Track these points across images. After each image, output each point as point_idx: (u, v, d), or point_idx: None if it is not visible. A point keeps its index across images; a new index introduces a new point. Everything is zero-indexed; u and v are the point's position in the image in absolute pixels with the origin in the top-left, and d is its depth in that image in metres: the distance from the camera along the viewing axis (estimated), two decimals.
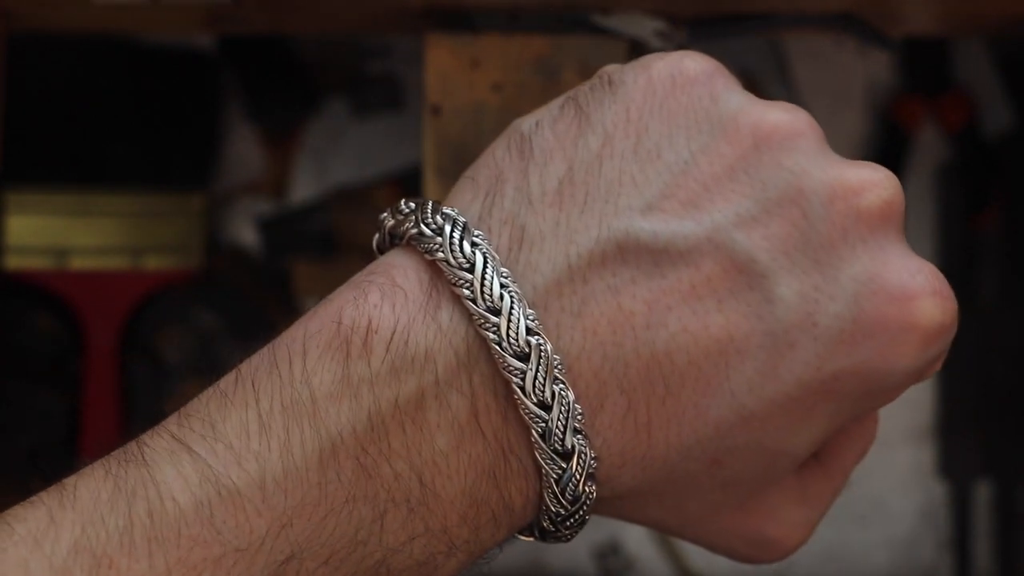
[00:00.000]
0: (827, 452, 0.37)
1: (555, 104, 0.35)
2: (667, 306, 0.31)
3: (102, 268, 0.73)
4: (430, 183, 0.53)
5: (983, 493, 0.75)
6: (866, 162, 0.33)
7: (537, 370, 0.31)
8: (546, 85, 0.53)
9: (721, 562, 0.76)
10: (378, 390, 0.31)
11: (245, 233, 0.77)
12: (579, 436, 0.31)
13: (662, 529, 0.37)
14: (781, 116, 0.33)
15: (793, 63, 0.73)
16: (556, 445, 0.31)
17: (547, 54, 0.53)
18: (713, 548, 0.37)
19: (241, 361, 0.35)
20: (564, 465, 0.31)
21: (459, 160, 0.53)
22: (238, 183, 0.77)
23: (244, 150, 0.77)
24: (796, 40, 0.72)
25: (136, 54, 0.75)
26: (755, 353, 0.31)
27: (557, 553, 0.75)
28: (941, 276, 0.33)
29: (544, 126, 0.34)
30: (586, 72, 0.53)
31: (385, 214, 0.36)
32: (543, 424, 0.31)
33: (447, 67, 0.53)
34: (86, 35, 0.73)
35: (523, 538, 0.35)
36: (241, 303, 0.76)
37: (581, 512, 0.33)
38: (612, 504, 0.34)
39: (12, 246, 0.73)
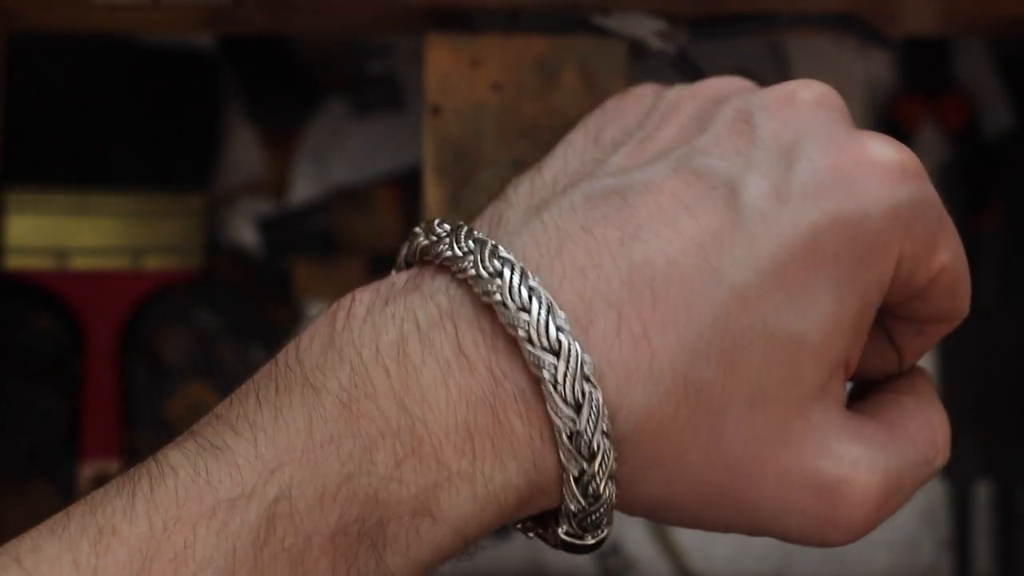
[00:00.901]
0: (878, 405, 0.37)
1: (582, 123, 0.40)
2: (638, 226, 0.33)
3: (102, 268, 0.73)
4: (430, 183, 0.53)
5: (983, 493, 0.75)
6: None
7: (539, 317, 0.32)
8: (546, 85, 0.53)
9: (721, 562, 0.76)
10: (359, 345, 0.32)
11: (245, 233, 0.77)
12: (567, 334, 0.32)
13: (711, 508, 0.34)
14: (731, 81, 0.38)
15: (793, 63, 0.73)
16: (544, 342, 0.32)
17: (547, 54, 0.53)
18: (781, 516, 0.34)
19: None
20: (556, 361, 0.32)
21: (459, 160, 0.53)
22: (238, 183, 0.77)
23: (244, 150, 0.77)
24: (796, 40, 0.72)
25: (136, 54, 0.75)
26: (730, 236, 0.32)
27: (557, 553, 0.75)
28: (889, 137, 0.34)
29: (570, 140, 0.39)
30: (586, 72, 0.53)
31: (418, 229, 0.37)
32: (526, 328, 0.32)
33: (447, 67, 0.53)
34: (86, 35, 0.73)
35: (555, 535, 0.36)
36: (241, 303, 0.76)
37: (599, 443, 0.32)
38: (643, 460, 0.33)
39: (12, 246, 0.73)
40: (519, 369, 0.32)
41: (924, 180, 0.34)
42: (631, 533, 0.76)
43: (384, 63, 0.77)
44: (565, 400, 0.32)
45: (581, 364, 0.32)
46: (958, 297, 0.37)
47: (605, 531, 0.35)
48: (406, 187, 0.76)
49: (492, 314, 0.32)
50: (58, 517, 0.31)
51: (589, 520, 0.34)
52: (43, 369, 0.74)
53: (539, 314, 0.32)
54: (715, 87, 0.38)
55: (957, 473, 0.75)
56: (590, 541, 0.35)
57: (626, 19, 0.53)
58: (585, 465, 0.32)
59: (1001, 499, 0.74)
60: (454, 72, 0.53)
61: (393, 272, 0.36)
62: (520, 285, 0.32)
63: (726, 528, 0.35)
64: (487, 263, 0.33)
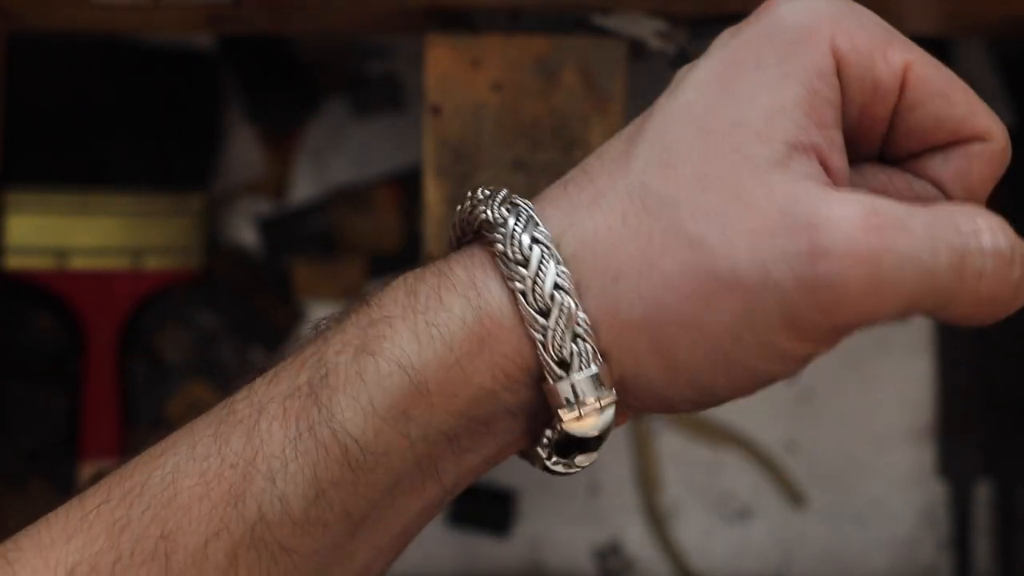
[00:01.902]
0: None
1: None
2: None
3: (102, 268, 0.73)
4: (430, 183, 0.53)
5: (983, 493, 0.75)
6: None
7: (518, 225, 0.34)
8: (546, 85, 0.53)
9: (721, 562, 0.76)
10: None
11: (245, 233, 0.77)
12: (509, 205, 0.35)
13: (699, 298, 0.33)
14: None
15: None
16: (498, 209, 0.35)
17: (547, 54, 0.53)
18: (768, 274, 0.32)
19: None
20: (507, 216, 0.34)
21: (459, 160, 0.53)
22: (238, 183, 0.77)
23: (244, 150, 0.77)
24: None
25: (136, 54, 0.75)
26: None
27: (557, 553, 0.75)
28: None
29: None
30: (586, 72, 0.53)
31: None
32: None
33: (447, 67, 0.53)
34: (86, 35, 0.73)
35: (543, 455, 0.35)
36: (241, 303, 0.76)
37: (539, 253, 0.34)
38: (608, 278, 0.34)
39: (12, 246, 0.73)
40: (479, 253, 0.35)
41: None
42: (631, 533, 0.76)
43: (384, 63, 0.77)
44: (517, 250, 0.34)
45: (530, 216, 0.34)
46: (955, 103, 0.35)
47: (603, 395, 0.34)
48: (406, 187, 0.76)
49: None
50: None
51: (565, 350, 0.34)
52: (43, 369, 0.74)
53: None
54: None
55: (957, 473, 0.75)
56: (593, 405, 0.34)
57: (626, 19, 0.53)
58: (530, 278, 0.34)
59: (1001, 499, 0.74)
60: (454, 72, 0.53)
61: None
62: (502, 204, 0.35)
63: (725, 328, 0.33)
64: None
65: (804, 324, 0.32)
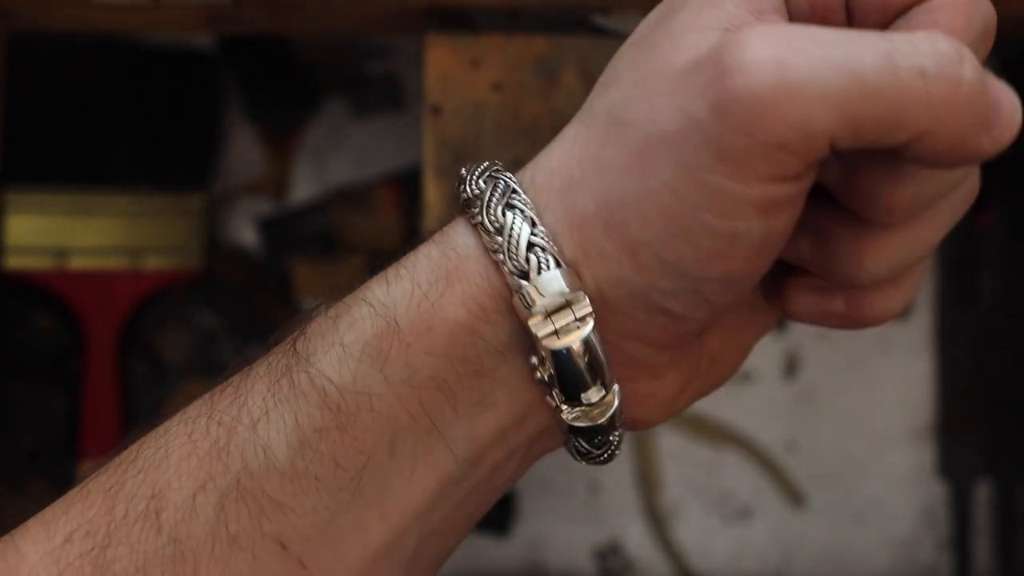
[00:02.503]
0: None
1: None
2: None
3: (102, 268, 0.73)
4: (430, 183, 0.53)
5: (983, 493, 0.75)
6: None
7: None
8: (546, 85, 0.53)
9: (721, 562, 0.76)
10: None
11: (245, 233, 0.77)
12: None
13: (635, 165, 0.33)
14: None
15: None
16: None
17: (547, 54, 0.53)
18: (688, 117, 0.32)
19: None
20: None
21: (459, 160, 0.53)
22: (238, 183, 0.77)
23: (244, 150, 0.77)
24: None
25: (136, 54, 0.75)
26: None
27: (557, 553, 0.75)
28: None
29: None
30: (586, 72, 0.53)
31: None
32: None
33: (447, 67, 0.53)
34: (86, 35, 0.73)
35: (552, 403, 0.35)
36: (241, 303, 0.76)
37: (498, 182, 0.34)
38: (561, 185, 0.34)
39: (12, 246, 0.73)
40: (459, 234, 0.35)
41: None
42: (631, 533, 0.76)
43: (384, 63, 0.77)
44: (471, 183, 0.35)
45: (494, 164, 0.35)
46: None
47: (575, 301, 0.33)
48: (406, 187, 0.76)
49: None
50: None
51: (523, 259, 0.33)
52: (43, 369, 0.74)
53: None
54: None
55: (957, 473, 0.75)
56: (565, 314, 0.33)
57: (626, 19, 0.53)
58: (484, 206, 0.34)
59: (1001, 499, 0.74)
60: (454, 72, 0.53)
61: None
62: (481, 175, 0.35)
63: (666, 187, 0.32)
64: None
65: (735, 152, 0.31)
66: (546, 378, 0.33)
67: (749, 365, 0.76)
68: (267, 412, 0.33)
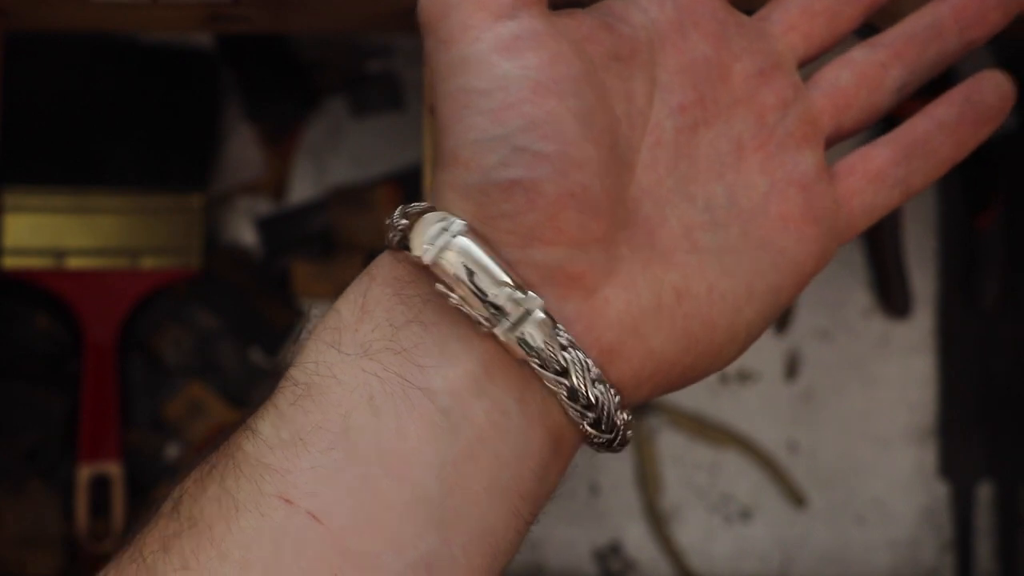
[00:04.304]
0: None
1: None
2: None
3: (100, 268, 0.73)
4: (430, 183, 0.52)
5: (985, 494, 0.75)
6: None
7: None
8: None
9: (721, 562, 0.76)
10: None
11: (244, 233, 0.76)
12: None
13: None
14: None
15: None
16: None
17: None
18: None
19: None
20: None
21: None
22: (237, 183, 0.77)
23: (243, 150, 0.77)
24: None
25: (135, 53, 0.75)
26: None
27: (557, 554, 0.75)
28: None
29: None
30: None
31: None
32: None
33: None
34: (85, 34, 0.72)
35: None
36: (240, 303, 0.76)
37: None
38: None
39: (10, 246, 0.72)
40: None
41: None
42: (631, 533, 0.76)
43: (384, 63, 0.77)
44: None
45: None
46: None
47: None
48: (405, 187, 0.76)
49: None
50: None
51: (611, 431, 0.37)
52: (41, 369, 0.74)
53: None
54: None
55: (959, 473, 0.75)
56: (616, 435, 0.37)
57: None
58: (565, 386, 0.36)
59: (1003, 499, 0.74)
60: None
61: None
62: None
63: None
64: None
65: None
66: (459, 298, 0.36)
67: (749, 365, 0.76)
68: (255, 412, 0.36)
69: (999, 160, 0.74)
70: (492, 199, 0.36)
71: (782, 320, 0.76)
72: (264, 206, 0.77)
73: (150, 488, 0.74)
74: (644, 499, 0.76)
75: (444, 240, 0.36)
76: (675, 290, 0.38)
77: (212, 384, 0.75)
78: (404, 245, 0.37)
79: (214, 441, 0.37)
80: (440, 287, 0.36)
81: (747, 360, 0.76)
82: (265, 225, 0.76)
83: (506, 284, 0.35)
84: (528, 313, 0.35)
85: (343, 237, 0.76)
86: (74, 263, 0.73)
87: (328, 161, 0.77)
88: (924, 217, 0.75)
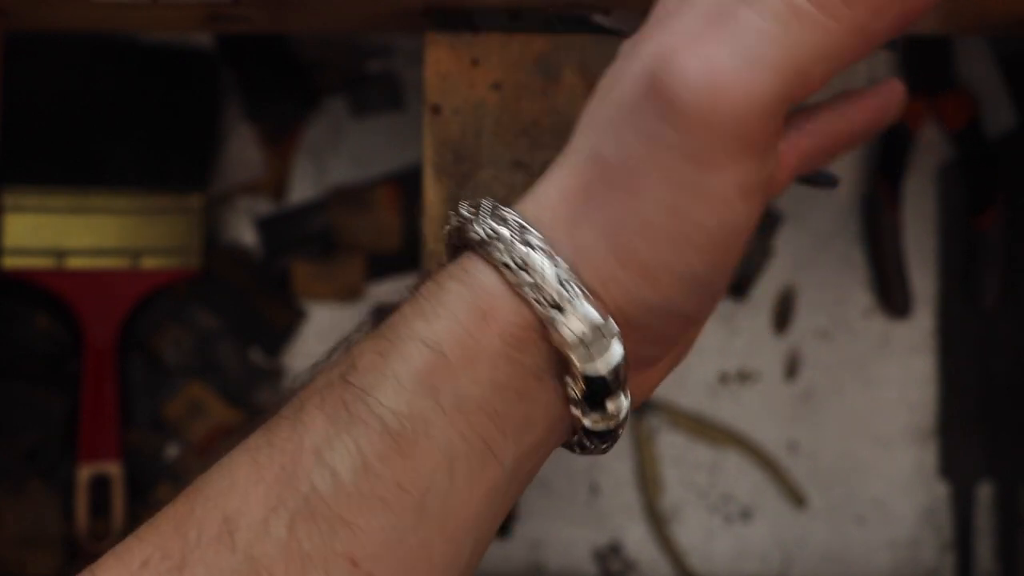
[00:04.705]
0: None
1: None
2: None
3: (100, 268, 0.73)
4: (430, 183, 0.52)
5: (985, 494, 0.75)
6: None
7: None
8: (546, 84, 0.53)
9: (721, 563, 0.76)
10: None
11: (244, 233, 0.76)
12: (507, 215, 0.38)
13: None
14: None
15: None
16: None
17: (547, 53, 0.53)
18: (632, 128, 0.37)
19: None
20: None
21: (459, 159, 0.52)
22: (237, 183, 0.77)
23: (243, 150, 0.77)
24: None
25: (135, 53, 0.75)
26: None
27: (557, 554, 0.75)
28: None
29: None
30: (586, 72, 0.53)
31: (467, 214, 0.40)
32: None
33: (447, 66, 0.52)
34: (85, 34, 0.72)
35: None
36: (240, 303, 0.76)
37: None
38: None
39: (10, 246, 0.72)
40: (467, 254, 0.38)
41: None
42: (631, 533, 0.76)
43: (384, 63, 0.77)
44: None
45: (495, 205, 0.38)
46: None
47: (604, 327, 0.37)
48: (405, 187, 0.76)
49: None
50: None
51: (554, 293, 0.37)
52: (41, 369, 0.74)
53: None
54: None
55: (959, 474, 0.75)
56: (596, 336, 0.37)
57: (626, 18, 0.53)
58: (507, 248, 0.37)
59: (1003, 499, 0.74)
60: (454, 72, 0.52)
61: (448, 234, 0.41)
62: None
63: (656, 203, 0.37)
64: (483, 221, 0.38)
65: (702, 151, 0.36)
66: (577, 395, 0.37)
67: (749, 365, 0.76)
68: (329, 440, 0.35)
69: (999, 160, 0.74)
70: (651, 318, 0.37)
71: (782, 320, 0.76)
72: (264, 206, 0.77)
73: (150, 488, 0.74)
74: (644, 499, 0.76)
75: (601, 349, 0.36)
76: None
77: (212, 384, 0.75)
78: (552, 305, 0.36)
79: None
80: (568, 380, 0.37)
81: (747, 360, 0.76)
82: (265, 225, 0.76)
83: (622, 392, 0.38)
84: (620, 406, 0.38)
85: (343, 237, 0.76)
86: (74, 263, 0.73)
87: (328, 161, 0.77)
88: (924, 217, 0.75)
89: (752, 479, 0.75)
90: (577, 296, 0.36)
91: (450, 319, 0.37)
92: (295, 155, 0.77)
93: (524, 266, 0.36)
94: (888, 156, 0.74)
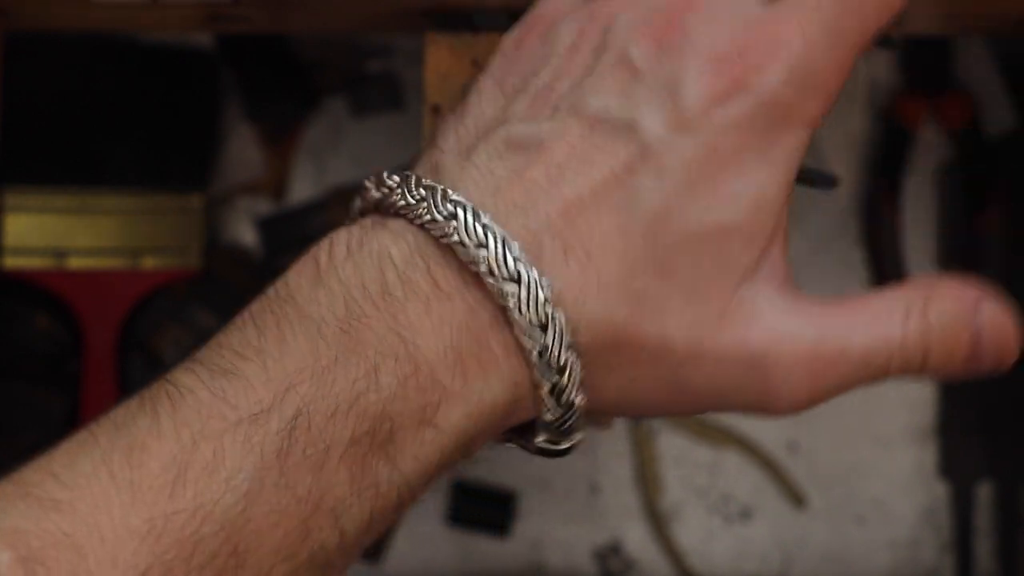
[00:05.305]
0: (833, 305, 0.38)
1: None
2: (559, 167, 0.36)
3: (100, 268, 0.73)
4: None
5: (985, 494, 0.75)
6: None
7: (496, 251, 0.35)
8: None
9: (721, 563, 0.76)
10: (346, 281, 0.36)
11: (244, 233, 0.76)
12: (524, 264, 0.35)
13: (673, 392, 0.37)
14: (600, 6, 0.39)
15: None
16: (504, 273, 0.35)
17: None
18: (724, 391, 0.37)
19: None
20: (517, 289, 0.35)
21: None
22: (237, 183, 0.77)
23: (243, 150, 0.77)
24: None
25: (135, 53, 0.75)
26: (641, 165, 0.36)
27: (557, 554, 0.75)
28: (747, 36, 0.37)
29: (480, 87, 0.41)
30: None
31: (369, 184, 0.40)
32: (486, 263, 0.35)
33: (447, 67, 0.52)
34: (85, 34, 0.72)
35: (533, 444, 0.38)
36: (240, 303, 0.75)
37: (568, 361, 0.36)
38: (605, 366, 0.36)
39: (10, 246, 0.72)
40: (488, 298, 0.36)
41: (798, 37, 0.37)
42: (632, 534, 0.76)
43: (384, 63, 0.77)
44: (531, 323, 0.35)
45: (540, 288, 0.35)
46: None
47: (578, 436, 0.37)
48: None
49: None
50: (83, 435, 0.35)
51: (563, 427, 0.37)
52: (41, 369, 0.74)
53: (496, 248, 0.35)
54: (600, 15, 0.39)
55: (959, 474, 0.75)
56: (564, 446, 0.37)
57: None
58: (556, 378, 0.36)
59: (1003, 500, 0.74)
60: (454, 72, 0.52)
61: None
62: (474, 223, 0.35)
63: (685, 412, 0.38)
64: (440, 207, 0.36)
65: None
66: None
67: None
68: (350, 507, 0.35)
69: (999, 160, 0.74)
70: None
71: None
72: (264, 206, 0.77)
73: None
74: (644, 499, 0.76)
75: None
76: None
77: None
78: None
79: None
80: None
81: None
82: (265, 225, 0.76)
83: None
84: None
85: None
86: (74, 263, 0.73)
87: (328, 161, 0.77)
88: (924, 217, 0.75)
89: (752, 479, 0.75)
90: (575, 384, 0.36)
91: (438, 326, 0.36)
92: (295, 155, 0.77)
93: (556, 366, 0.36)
94: (888, 156, 0.74)
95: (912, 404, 0.76)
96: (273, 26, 0.56)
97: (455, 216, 0.35)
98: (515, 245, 0.35)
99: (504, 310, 0.35)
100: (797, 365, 0.36)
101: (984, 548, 0.74)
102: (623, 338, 0.36)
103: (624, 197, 0.36)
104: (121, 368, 0.74)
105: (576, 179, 0.36)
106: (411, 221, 0.36)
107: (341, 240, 0.37)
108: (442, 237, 0.36)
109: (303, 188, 0.77)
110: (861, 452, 0.75)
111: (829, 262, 0.76)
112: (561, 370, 0.35)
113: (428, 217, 0.36)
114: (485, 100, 0.40)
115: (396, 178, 0.38)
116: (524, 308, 0.35)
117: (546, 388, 0.36)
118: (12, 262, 0.72)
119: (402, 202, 0.37)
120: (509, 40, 0.42)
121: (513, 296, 0.35)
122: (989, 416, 0.74)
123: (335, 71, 0.77)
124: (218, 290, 0.76)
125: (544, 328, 0.35)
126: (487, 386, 0.35)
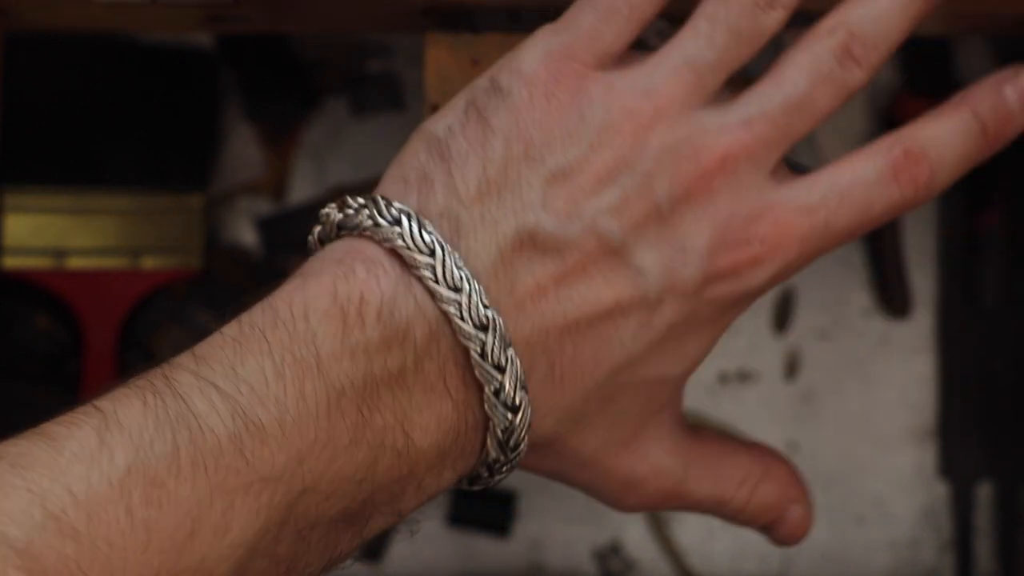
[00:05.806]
0: (703, 449, 0.44)
1: (459, 108, 0.42)
2: (569, 283, 0.39)
3: (100, 268, 0.73)
4: None
5: (985, 494, 0.75)
6: (725, 110, 0.40)
7: (494, 339, 0.37)
8: None
9: (721, 563, 0.76)
10: (371, 356, 0.37)
11: (244, 233, 0.76)
12: (524, 392, 0.38)
13: (559, 473, 0.43)
14: (641, 104, 0.40)
15: None
16: (507, 400, 0.38)
17: None
18: (594, 488, 0.44)
19: (236, 313, 0.41)
20: (511, 417, 0.38)
21: None
22: (237, 183, 0.77)
23: (243, 150, 0.77)
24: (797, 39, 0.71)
25: (135, 53, 0.75)
26: (635, 312, 0.39)
27: (557, 554, 0.75)
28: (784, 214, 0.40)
29: (455, 131, 0.41)
30: None
31: (329, 209, 0.42)
32: (497, 383, 0.38)
33: (447, 67, 0.52)
34: (85, 34, 0.72)
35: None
36: (240, 303, 0.76)
37: (515, 460, 0.39)
38: (531, 455, 0.40)
39: (10, 246, 0.72)
40: (479, 406, 0.38)
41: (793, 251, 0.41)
42: (631, 533, 0.76)
43: (384, 63, 0.77)
44: (501, 443, 0.39)
45: (526, 419, 0.39)
46: None
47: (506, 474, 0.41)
48: None
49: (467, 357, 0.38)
50: (94, 441, 0.35)
51: (499, 472, 0.40)
52: (41, 369, 0.74)
53: (511, 373, 0.38)
54: (638, 110, 0.40)
55: (959, 474, 0.75)
56: (494, 479, 0.41)
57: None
58: (504, 468, 0.40)
59: (1003, 500, 0.74)
60: (454, 72, 0.52)
61: (312, 243, 0.42)
62: (500, 348, 0.38)
63: (572, 483, 0.44)
64: (472, 314, 0.38)
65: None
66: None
67: (749, 365, 0.76)
68: (312, 569, 0.37)
69: (999, 160, 0.73)
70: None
71: (782, 320, 0.76)
72: (264, 206, 0.77)
73: None
74: None
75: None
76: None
77: None
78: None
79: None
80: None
81: (747, 360, 0.76)
82: (265, 225, 0.76)
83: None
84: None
85: None
86: (74, 263, 0.73)
87: (328, 161, 0.77)
88: (924, 217, 0.75)
89: None
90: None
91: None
92: (295, 155, 0.77)
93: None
94: None
95: (912, 404, 0.76)
96: (273, 26, 0.56)
97: (484, 329, 0.37)
98: (520, 366, 0.38)
99: (487, 420, 0.38)
100: (654, 496, 0.43)
101: (984, 548, 0.74)
102: (556, 443, 0.41)
103: (609, 335, 0.39)
104: (121, 368, 0.74)
105: (579, 301, 0.39)
106: (441, 312, 0.38)
107: (373, 296, 0.38)
108: (466, 339, 0.37)
109: (303, 188, 0.77)
110: (861, 452, 0.75)
111: (829, 260, 0.76)
112: (510, 462, 0.40)
113: (458, 323, 0.37)
114: (501, 141, 0.40)
115: (440, 263, 0.39)
116: (503, 429, 0.39)
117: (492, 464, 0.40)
118: (12, 262, 0.72)
119: (437, 288, 0.38)
120: (539, 84, 0.41)
121: (504, 421, 0.38)
122: (989, 416, 0.74)
123: (335, 71, 0.77)
124: (218, 290, 0.76)
125: (514, 448, 0.39)
126: (450, 478, 0.39)
